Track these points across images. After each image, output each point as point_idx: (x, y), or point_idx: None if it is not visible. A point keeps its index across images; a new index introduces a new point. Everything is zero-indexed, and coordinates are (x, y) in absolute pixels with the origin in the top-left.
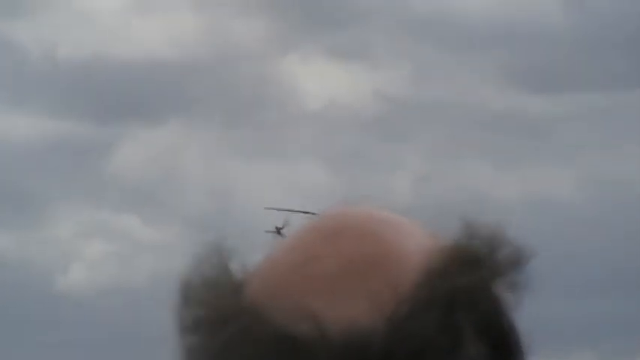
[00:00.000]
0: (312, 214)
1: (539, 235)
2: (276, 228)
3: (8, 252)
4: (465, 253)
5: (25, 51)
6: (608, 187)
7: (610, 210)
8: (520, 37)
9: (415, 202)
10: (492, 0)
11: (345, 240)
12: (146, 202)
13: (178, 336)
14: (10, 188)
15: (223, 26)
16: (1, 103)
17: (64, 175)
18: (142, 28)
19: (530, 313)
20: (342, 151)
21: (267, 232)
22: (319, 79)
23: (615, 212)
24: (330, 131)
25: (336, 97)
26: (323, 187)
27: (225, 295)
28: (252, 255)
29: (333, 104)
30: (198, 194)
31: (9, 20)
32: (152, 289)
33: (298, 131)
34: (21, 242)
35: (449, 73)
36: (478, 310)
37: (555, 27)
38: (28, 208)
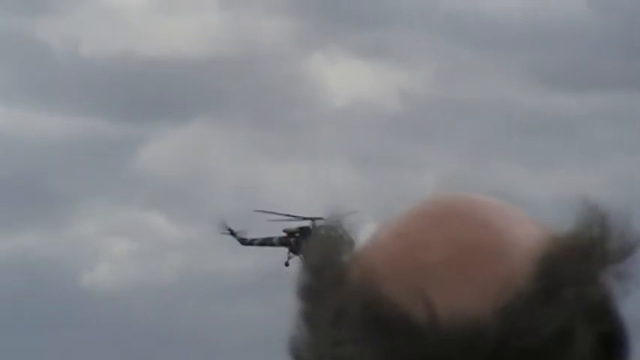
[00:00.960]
0: (308, 219)
1: None
2: (229, 229)
3: (35, 250)
4: (576, 242)
5: (49, 49)
6: (637, 186)
7: None
8: (546, 35)
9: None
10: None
11: (454, 226)
12: (172, 200)
13: (296, 299)
14: (37, 187)
15: (250, 25)
16: (28, 102)
17: (90, 174)
18: (169, 26)
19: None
20: (368, 150)
21: (222, 233)
22: (345, 78)
23: None
24: (356, 130)
25: (362, 95)
26: (348, 186)
27: (336, 276)
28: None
29: (359, 103)
30: (224, 193)
31: (34, 18)
32: (178, 286)
33: (324, 130)
34: (48, 240)
35: (474, 72)
36: (589, 302)
37: (582, 26)
38: (55, 206)
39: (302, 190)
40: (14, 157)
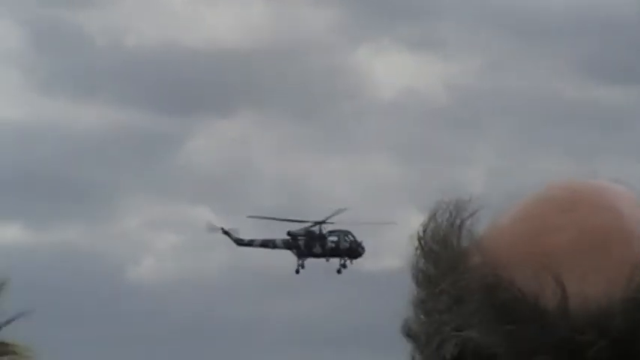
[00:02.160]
0: (307, 222)
1: None
2: (222, 229)
3: (80, 243)
4: None
5: (93, 40)
6: None
7: None
8: (594, 28)
9: (489, 193)
10: None
11: (581, 212)
12: (217, 193)
13: (413, 287)
14: (81, 180)
15: (296, 16)
16: (72, 93)
17: (134, 166)
18: (213, 17)
19: None
20: (414, 142)
21: (210, 230)
22: (392, 70)
23: None
24: (403, 122)
25: (409, 87)
26: (394, 178)
27: (457, 260)
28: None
29: (405, 95)
30: (269, 186)
31: (78, 9)
32: (223, 280)
33: (370, 122)
34: (92, 234)
35: (521, 64)
36: None
37: (628, 17)
38: (99, 199)
39: (347, 183)
40: (55, 149)
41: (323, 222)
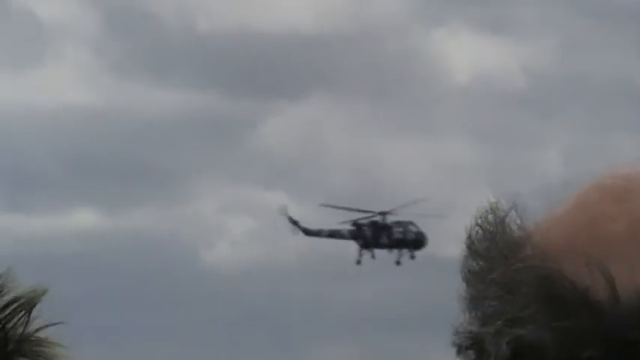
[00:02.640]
0: (375, 213)
1: None
2: (290, 218)
3: (153, 227)
4: None
5: (164, 24)
6: None
7: None
8: None
9: (566, 177)
10: None
11: (634, 201)
12: (291, 177)
13: (464, 285)
14: (155, 164)
15: (369, 0)
16: (144, 78)
17: (208, 150)
18: (286, 1)
19: None
20: (489, 126)
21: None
22: (467, 54)
23: None
24: (477, 106)
25: (483, 71)
26: (469, 163)
27: (510, 251)
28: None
29: (479, 79)
30: (344, 170)
31: None
32: (298, 266)
33: (445, 106)
34: (166, 218)
35: (598, 47)
36: None
37: None
38: (172, 183)
39: (423, 167)
40: (130, 133)
41: (388, 212)
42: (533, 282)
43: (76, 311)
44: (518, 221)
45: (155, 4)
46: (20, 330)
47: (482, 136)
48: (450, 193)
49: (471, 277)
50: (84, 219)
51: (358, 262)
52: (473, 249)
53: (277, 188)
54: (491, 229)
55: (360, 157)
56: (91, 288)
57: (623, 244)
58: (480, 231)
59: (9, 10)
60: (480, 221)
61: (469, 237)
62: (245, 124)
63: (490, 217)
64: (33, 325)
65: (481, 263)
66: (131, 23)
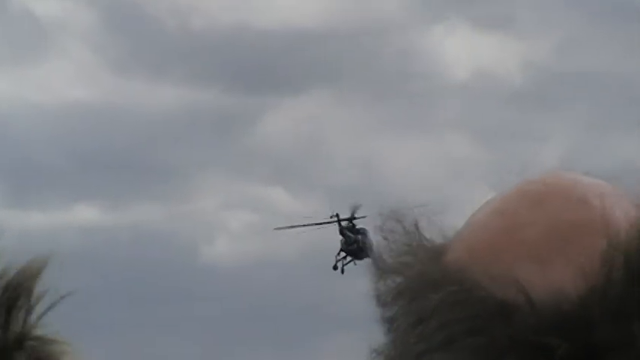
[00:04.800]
0: (335, 221)
1: None
2: (336, 215)
3: (154, 223)
4: None
5: (161, 22)
6: None
7: None
8: None
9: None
10: None
11: (552, 205)
12: (291, 173)
13: (377, 306)
14: (155, 160)
15: None
16: (144, 75)
17: (207, 146)
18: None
19: None
20: (489, 123)
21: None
22: (465, 50)
23: None
24: (477, 103)
25: (483, 67)
26: (469, 160)
27: (426, 261)
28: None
29: (479, 75)
30: (343, 166)
31: None
32: (299, 261)
33: (444, 103)
34: (166, 214)
35: (597, 43)
36: None
37: None
38: (172, 179)
39: (423, 164)
40: (130, 129)
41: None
42: (453, 291)
43: (76, 306)
44: (437, 229)
45: (152, 2)
46: (20, 323)
47: (482, 133)
48: (450, 188)
49: (388, 298)
50: (86, 214)
51: (335, 268)
52: (386, 264)
53: (277, 184)
54: (406, 240)
55: (360, 153)
56: (92, 283)
57: (541, 249)
58: (393, 243)
59: (8, 8)
60: (392, 234)
61: (378, 254)
62: (245, 120)
63: (402, 226)
64: (33, 317)
65: (400, 282)
66: (129, 21)
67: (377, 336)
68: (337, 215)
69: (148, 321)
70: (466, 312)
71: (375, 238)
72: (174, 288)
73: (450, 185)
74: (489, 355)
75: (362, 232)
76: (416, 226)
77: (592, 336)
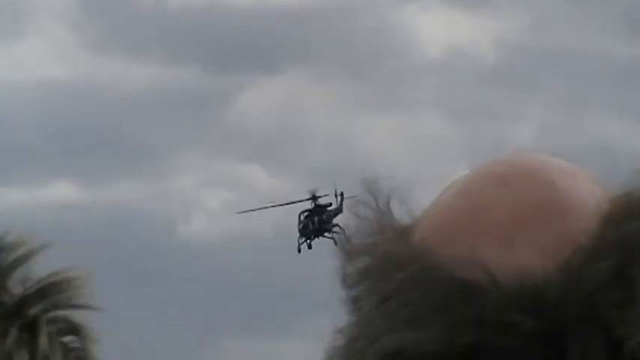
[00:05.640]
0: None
1: None
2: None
3: (131, 202)
4: (635, 201)
5: (137, 0)
6: None
7: None
8: None
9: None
10: None
11: (517, 186)
12: (267, 152)
13: (342, 287)
14: (132, 138)
15: None
16: (120, 54)
17: (184, 125)
18: None
19: None
20: (464, 101)
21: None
22: (440, 28)
23: None
24: (451, 81)
25: (457, 45)
26: (444, 137)
27: (393, 241)
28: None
29: (453, 53)
30: (320, 145)
31: None
32: (274, 239)
33: (419, 81)
34: (143, 192)
35: (571, 22)
36: None
37: None
38: (149, 158)
39: (398, 142)
40: (107, 108)
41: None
42: (418, 271)
43: None
44: (405, 209)
45: None
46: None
47: (456, 110)
48: (425, 167)
49: (354, 277)
50: (62, 192)
51: (300, 250)
52: (353, 245)
53: (254, 162)
54: (376, 220)
55: (336, 131)
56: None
57: (506, 230)
58: (363, 221)
59: None
60: (362, 211)
61: (352, 232)
62: (221, 98)
63: (375, 205)
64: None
65: (366, 262)
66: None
67: (343, 317)
68: (313, 197)
69: (124, 300)
70: (430, 291)
71: (344, 217)
72: (149, 266)
73: (426, 164)
74: (453, 333)
75: (324, 211)
76: (387, 205)
77: (557, 313)
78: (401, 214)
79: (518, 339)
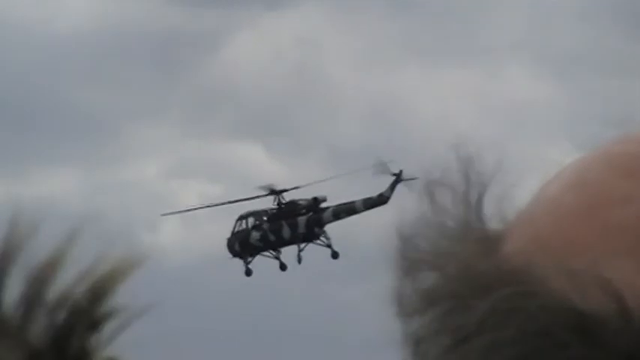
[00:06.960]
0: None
1: None
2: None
3: (68, 197)
4: None
5: None
6: None
7: None
8: None
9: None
10: None
11: None
12: (270, 125)
13: (398, 317)
14: (67, 107)
15: None
16: None
17: (145, 88)
18: None
19: None
20: (560, 47)
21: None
22: None
23: None
24: (546, 17)
25: None
26: (538, 102)
27: (478, 252)
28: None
29: None
30: (345, 111)
31: None
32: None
33: (497, 16)
34: (85, 184)
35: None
36: None
37: None
38: (95, 134)
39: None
40: (24, 57)
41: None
42: (503, 315)
43: None
44: (492, 208)
45: None
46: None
47: (554, 60)
48: (510, 148)
49: (409, 302)
50: None
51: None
52: (416, 260)
53: (251, 140)
54: (447, 221)
55: (367, 89)
56: None
57: (635, 238)
58: (429, 225)
59: None
60: (426, 218)
61: (408, 240)
62: (201, 45)
63: (447, 214)
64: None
65: (436, 283)
66: None
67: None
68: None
69: None
70: (530, 327)
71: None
72: None
73: (509, 139)
74: None
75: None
76: (465, 201)
77: None
78: (485, 216)
79: None
